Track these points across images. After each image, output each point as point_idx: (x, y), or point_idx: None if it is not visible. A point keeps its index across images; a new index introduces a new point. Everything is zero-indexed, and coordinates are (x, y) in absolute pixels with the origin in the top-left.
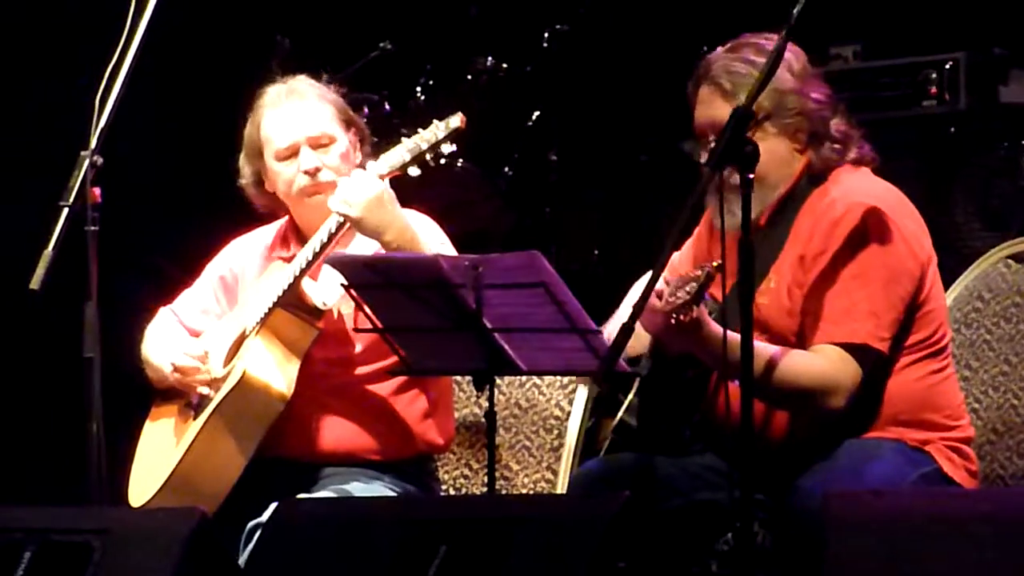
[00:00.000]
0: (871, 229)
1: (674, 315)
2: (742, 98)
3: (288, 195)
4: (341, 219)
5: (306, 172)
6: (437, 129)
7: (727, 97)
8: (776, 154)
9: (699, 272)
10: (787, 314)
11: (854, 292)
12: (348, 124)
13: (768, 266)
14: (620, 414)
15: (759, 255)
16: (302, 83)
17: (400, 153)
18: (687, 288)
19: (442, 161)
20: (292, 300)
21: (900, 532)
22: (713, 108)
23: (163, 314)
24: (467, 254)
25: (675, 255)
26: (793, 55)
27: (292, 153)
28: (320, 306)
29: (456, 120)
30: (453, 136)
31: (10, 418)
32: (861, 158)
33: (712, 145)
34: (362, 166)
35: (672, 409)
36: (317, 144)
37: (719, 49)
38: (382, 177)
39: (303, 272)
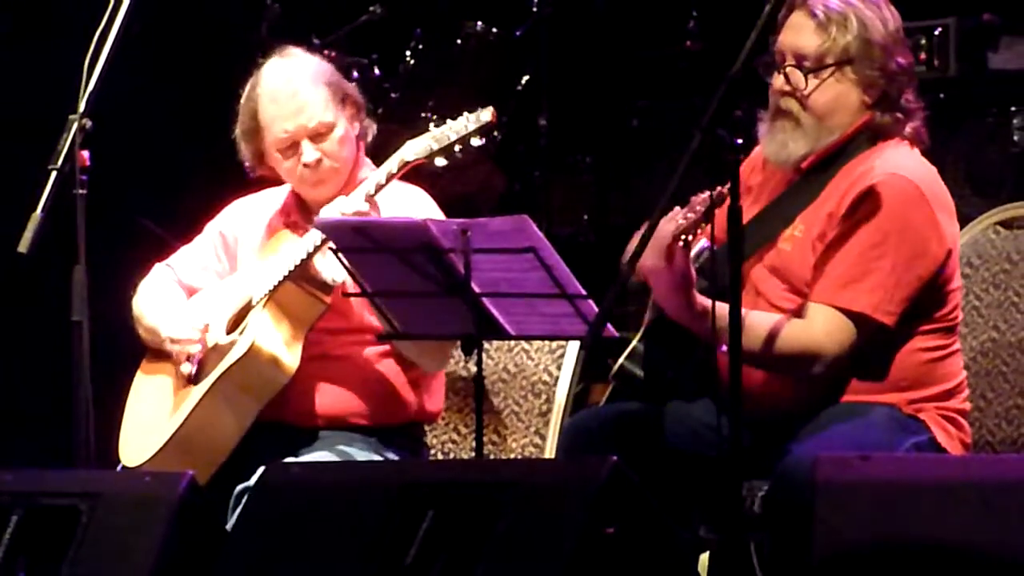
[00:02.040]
0: (902, 203)
1: (682, 237)
2: (832, 31)
3: (292, 181)
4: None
5: (307, 165)
6: (468, 121)
7: (818, 28)
8: (845, 99)
9: (710, 194)
10: (810, 267)
11: (871, 261)
12: (343, 101)
13: (797, 212)
14: (622, 360)
15: (792, 198)
16: (296, 65)
17: (427, 142)
18: (696, 208)
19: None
20: (302, 274)
21: (888, 496)
22: (801, 35)
23: (158, 270)
24: (455, 218)
25: None
26: (892, 15)
27: (292, 145)
28: (330, 282)
29: (487, 114)
30: (483, 130)
31: None
32: (915, 135)
33: (788, 69)
34: (363, 132)
35: (677, 356)
36: (316, 134)
37: None
38: (406, 164)
39: (316, 249)
